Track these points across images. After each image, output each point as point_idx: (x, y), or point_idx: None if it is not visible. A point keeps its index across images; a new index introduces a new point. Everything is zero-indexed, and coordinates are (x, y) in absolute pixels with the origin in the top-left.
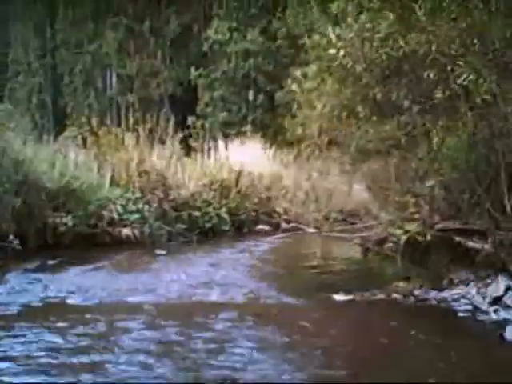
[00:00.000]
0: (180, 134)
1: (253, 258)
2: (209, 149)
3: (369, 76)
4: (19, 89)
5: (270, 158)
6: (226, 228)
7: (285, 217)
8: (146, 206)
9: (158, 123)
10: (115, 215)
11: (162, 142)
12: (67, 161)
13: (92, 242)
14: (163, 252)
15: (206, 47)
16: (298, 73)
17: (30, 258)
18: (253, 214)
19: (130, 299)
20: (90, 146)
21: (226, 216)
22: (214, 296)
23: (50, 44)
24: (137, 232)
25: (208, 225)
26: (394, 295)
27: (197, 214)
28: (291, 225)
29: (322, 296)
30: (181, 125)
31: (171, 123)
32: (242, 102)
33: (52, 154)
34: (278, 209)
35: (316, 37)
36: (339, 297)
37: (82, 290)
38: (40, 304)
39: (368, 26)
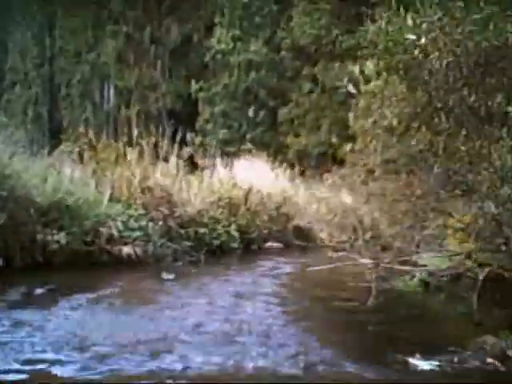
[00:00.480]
0: (187, 150)
1: (280, 286)
2: (213, 166)
3: (455, 73)
4: (15, 101)
5: (279, 177)
6: (235, 245)
7: (330, 244)
8: (150, 223)
9: (162, 138)
10: (115, 232)
11: (164, 159)
12: (61, 176)
13: (88, 261)
14: (171, 276)
15: (208, 57)
16: (356, 69)
17: (14, 284)
18: (265, 231)
19: (145, 368)
20: (88, 161)
21: (235, 233)
22: (252, 360)
23: (49, 53)
24: (139, 250)
25: (216, 242)
26: (490, 360)
27: (204, 230)
28: (341, 254)
29: (394, 359)
30: (182, 142)
31: (177, 139)
32: (243, 119)
33: (45, 168)
34: (321, 235)
35: (380, 22)
36: (419, 362)
37: (78, 346)
38: (12, 378)
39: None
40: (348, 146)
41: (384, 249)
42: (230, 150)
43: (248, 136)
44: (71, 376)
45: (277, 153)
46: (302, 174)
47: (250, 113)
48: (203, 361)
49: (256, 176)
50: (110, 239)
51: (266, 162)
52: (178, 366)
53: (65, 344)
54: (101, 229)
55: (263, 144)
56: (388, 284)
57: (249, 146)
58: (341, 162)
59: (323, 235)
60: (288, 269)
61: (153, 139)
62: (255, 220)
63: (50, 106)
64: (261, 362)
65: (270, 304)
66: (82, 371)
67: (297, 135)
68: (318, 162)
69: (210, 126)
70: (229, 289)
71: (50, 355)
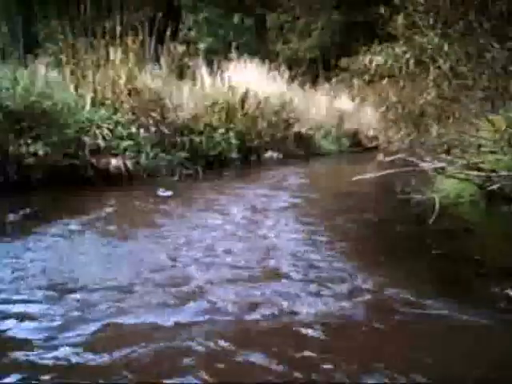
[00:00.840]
0: (179, 49)
1: (300, 199)
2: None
3: None
4: None
5: (276, 79)
6: (234, 156)
7: (384, 145)
8: (141, 130)
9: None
10: (101, 142)
11: (152, 61)
12: (35, 77)
13: (71, 177)
14: (168, 193)
15: None
16: None
17: None
18: (266, 139)
19: (157, 321)
20: (65, 63)
21: (234, 141)
22: (303, 303)
23: None
24: (129, 163)
25: (213, 152)
26: None
27: (199, 139)
28: (394, 157)
29: (490, 294)
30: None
31: (163, 43)
32: (229, 27)
33: (15, 69)
34: (369, 133)
35: None
36: None
37: (59, 288)
38: None
39: None
40: (399, 18)
41: (447, 151)
42: (216, 59)
43: (234, 44)
44: (47, 336)
45: (265, 60)
46: (294, 79)
47: (235, 19)
48: (240, 305)
49: (251, 80)
50: (96, 150)
51: (259, 66)
52: (208, 318)
53: (38, 287)
54: (84, 138)
55: (251, 52)
56: (441, 196)
57: (235, 55)
58: (335, 67)
59: (371, 133)
60: (299, 179)
61: (139, 37)
62: (254, 126)
63: (23, 19)
64: (316, 308)
65: (296, 222)
66: (60, 331)
67: (286, 42)
68: (310, 68)
69: (193, 34)
70: (241, 205)
71: (18, 305)
